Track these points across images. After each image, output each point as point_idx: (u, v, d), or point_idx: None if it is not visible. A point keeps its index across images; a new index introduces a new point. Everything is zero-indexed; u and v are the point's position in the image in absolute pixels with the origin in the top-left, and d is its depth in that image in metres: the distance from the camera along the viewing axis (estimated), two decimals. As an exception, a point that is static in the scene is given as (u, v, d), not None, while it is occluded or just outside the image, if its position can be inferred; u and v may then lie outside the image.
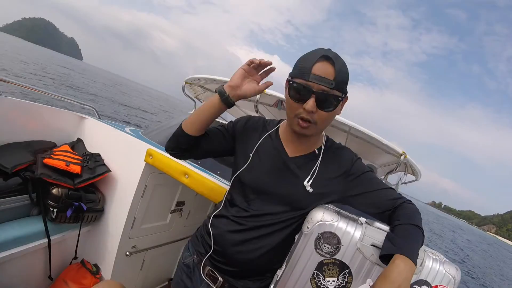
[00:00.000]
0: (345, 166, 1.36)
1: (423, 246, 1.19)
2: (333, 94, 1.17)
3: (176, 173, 2.16)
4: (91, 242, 2.74)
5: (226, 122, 1.55)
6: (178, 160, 2.13)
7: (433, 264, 1.13)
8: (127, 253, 2.62)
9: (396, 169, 3.23)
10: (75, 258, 2.67)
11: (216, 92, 1.31)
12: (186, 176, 2.12)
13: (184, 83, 3.64)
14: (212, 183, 2.03)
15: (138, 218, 2.63)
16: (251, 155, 1.39)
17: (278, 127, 1.46)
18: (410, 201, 1.30)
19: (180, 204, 3.11)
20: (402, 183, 3.99)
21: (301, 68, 1.19)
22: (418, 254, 1.08)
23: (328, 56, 1.16)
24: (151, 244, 2.92)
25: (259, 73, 1.31)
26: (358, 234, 1.17)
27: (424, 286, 1.11)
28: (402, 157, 2.90)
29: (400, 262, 1.01)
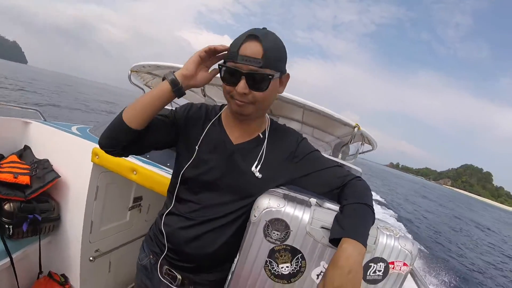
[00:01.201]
0: (290, 147, 1.30)
1: (376, 222, 1.15)
2: (263, 73, 1.09)
3: (123, 171, 2.05)
4: (54, 253, 2.60)
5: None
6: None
7: (387, 240, 1.09)
8: (91, 258, 2.50)
9: (351, 141, 3.27)
10: (41, 272, 2.52)
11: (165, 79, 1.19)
12: (134, 172, 2.01)
13: (130, 71, 3.45)
14: (161, 177, 1.94)
15: (95, 221, 2.50)
16: (196, 147, 1.28)
17: (221, 114, 1.36)
18: (359, 177, 1.25)
19: (137, 199, 3.00)
20: (360, 153, 4.11)
21: (231, 51, 1.12)
22: (367, 234, 1.04)
23: (254, 35, 1.08)
24: (115, 245, 2.81)
25: (211, 59, 1.22)
26: (307, 218, 1.11)
27: (380, 263, 1.09)
28: (356, 129, 2.95)
29: (347, 245, 0.96)
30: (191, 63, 1.18)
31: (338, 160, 3.18)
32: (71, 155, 2.59)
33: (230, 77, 1.13)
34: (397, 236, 1.11)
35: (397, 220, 16.64)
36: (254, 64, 1.07)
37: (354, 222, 1.03)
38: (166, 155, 2.39)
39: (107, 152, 1.24)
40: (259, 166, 1.24)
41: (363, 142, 3.73)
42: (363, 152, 4.04)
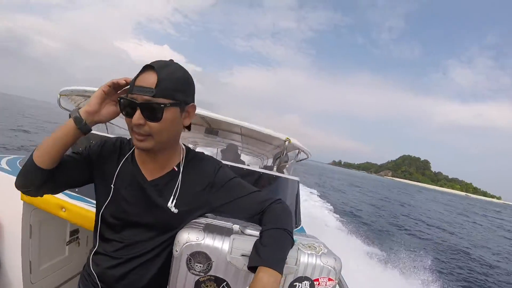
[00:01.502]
0: (208, 177, 1.27)
1: (299, 241, 1.19)
2: (155, 102, 1.06)
3: (52, 208, 1.96)
4: (-2, 298, 2.45)
5: None
6: None
7: (309, 259, 1.12)
8: None
9: (283, 153, 3.39)
10: None
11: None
12: (63, 209, 1.93)
13: (58, 95, 3.32)
14: (92, 213, 1.84)
15: (34, 260, 2.37)
16: (112, 186, 1.24)
17: (134, 149, 1.31)
18: (280, 199, 1.25)
19: (74, 233, 2.87)
20: (297, 161, 4.28)
21: (130, 84, 1.11)
22: (284, 260, 1.06)
23: (151, 66, 1.07)
24: (58, 283, 2.71)
25: (118, 93, 1.19)
26: (227, 247, 1.11)
27: (305, 281, 1.11)
28: (287, 142, 3.07)
29: (263, 274, 0.98)
30: (94, 98, 1.15)
31: (273, 172, 3.30)
32: (1, 195, 2.45)
33: (128, 109, 1.10)
34: (319, 253, 1.14)
35: (334, 212, 17.95)
36: (147, 93, 1.04)
37: (271, 249, 1.04)
38: None
39: (23, 192, 1.20)
40: (174, 201, 1.21)
41: (299, 151, 3.85)
42: (300, 160, 4.18)
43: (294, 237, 1.18)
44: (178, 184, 1.23)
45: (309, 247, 1.18)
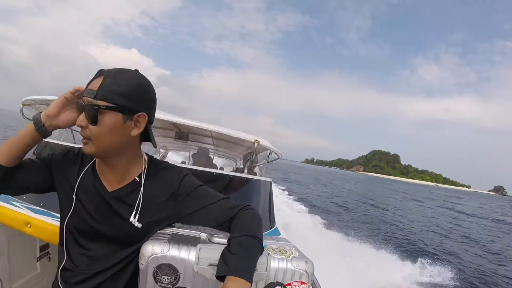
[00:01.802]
0: (172, 187, 1.22)
1: (270, 246, 1.18)
2: (94, 104, 1.04)
3: (17, 224, 1.86)
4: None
5: None
6: (17, 208, 1.85)
7: (279, 264, 1.10)
8: None
9: (253, 155, 3.40)
10: None
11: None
12: (29, 225, 1.83)
13: (21, 105, 3.27)
14: (58, 228, 1.77)
15: (5, 279, 2.28)
16: (73, 197, 1.19)
17: (95, 159, 1.26)
18: (248, 205, 1.22)
19: (44, 248, 2.76)
20: (268, 162, 4.28)
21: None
22: (253, 267, 1.03)
23: (102, 71, 1.08)
24: None
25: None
26: (193, 258, 1.07)
27: (277, 287, 1.10)
28: (256, 144, 3.07)
29: (231, 284, 0.95)
30: (55, 103, 1.15)
31: (244, 175, 3.28)
32: None
33: (79, 112, 1.10)
34: (290, 257, 1.12)
35: (297, 200, 20.12)
36: (90, 95, 1.03)
37: (239, 258, 1.02)
38: None
39: None
40: (137, 215, 1.16)
41: (270, 151, 3.86)
42: (271, 161, 4.19)
43: (264, 241, 1.15)
44: (140, 196, 1.18)
45: (280, 251, 1.16)
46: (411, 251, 11.87)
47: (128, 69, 1.11)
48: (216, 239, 1.15)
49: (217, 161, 6.93)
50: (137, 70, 1.14)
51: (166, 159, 7.41)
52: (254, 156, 3.37)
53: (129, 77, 1.08)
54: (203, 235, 1.19)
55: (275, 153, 3.95)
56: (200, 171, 2.86)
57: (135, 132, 1.13)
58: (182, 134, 3.98)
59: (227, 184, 3.14)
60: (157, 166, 1.28)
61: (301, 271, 1.09)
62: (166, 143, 6.14)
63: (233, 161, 7.20)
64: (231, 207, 1.20)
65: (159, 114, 2.82)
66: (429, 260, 9.71)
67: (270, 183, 3.86)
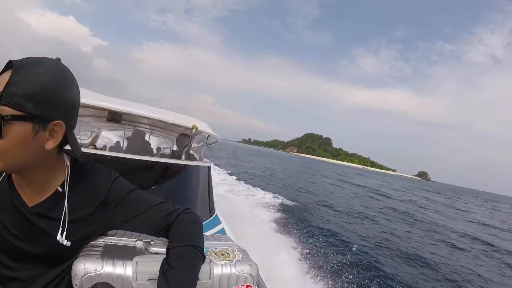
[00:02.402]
0: (101, 194, 1.07)
1: (211, 250, 1.14)
2: None
3: None
4: None
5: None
6: None
7: (223, 270, 1.06)
8: None
9: (191, 141, 3.31)
10: None
11: None
12: None
13: None
14: None
15: None
16: None
17: None
18: (188, 209, 1.13)
19: None
20: (207, 145, 4.19)
21: None
22: (195, 280, 0.98)
23: (10, 62, 0.86)
24: None
25: None
26: (130, 273, 0.99)
27: None
28: (194, 130, 3.02)
29: None
30: None
31: (182, 161, 3.18)
32: None
33: None
34: (234, 261, 1.09)
35: (232, 175, 21.13)
36: None
37: (179, 272, 0.95)
38: None
39: None
40: (64, 233, 1.00)
41: (208, 135, 3.79)
42: (209, 144, 4.12)
43: (206, 243, 1.10)
44: (65, 210, 1.02)
45: (222, 255, 1.12)
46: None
47: (45, 60, 0.89)
48: (153, 249, 1.07)
49: (153, 140, 6.63)
50: (58, 60, 0.94)
51: (100, 139, 7.03)
52: (191, 142, 3.30)
53: (43, 72, 0.86)
54: (139, 244, 1.09)
55: (214, 137, 3.90)
56: (135, 160, 2.72)
57: (50, 145, 0.93)
58: (115, 115, 3.65)
59: (164, 171, 3.02)
60: (82, 171, 1.10)
61: (246, 275, 1.06)
62: (97, 124, 5.74)
63: (170, 140, 6.82)
64: (168, 213, 1.10)
65: (88, 98, 2.65)
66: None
67: (209, 167, 3.77)
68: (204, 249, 1.06)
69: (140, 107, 3.00)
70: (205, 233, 1.42)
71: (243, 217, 7.96)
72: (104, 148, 5.21)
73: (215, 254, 1.12)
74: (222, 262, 1.08)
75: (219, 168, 23.51)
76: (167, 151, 6.16)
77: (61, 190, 1.03)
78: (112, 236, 1.14)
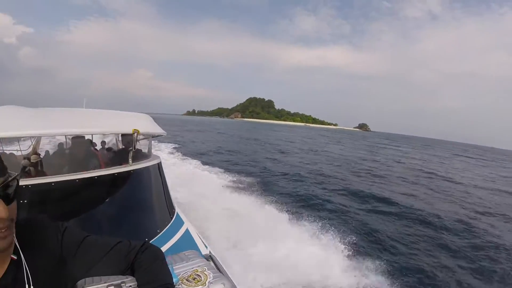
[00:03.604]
0: (55, 251, 1.02)
1: (181, 278, 1.07)
2: None
3: None
4: None
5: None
6: None
7: None
8: None
9: (135, 144, 3.13)
10: None
11: None
12: None
13: None
14: None
15: None
16: None
17: None
18: (145, 243, 1.13)
19: None
20: (153, 137, 4.18)
21: None
22: None
23: None
24: None
25: None
26: None
27: None
28: (135, 134, 2.93)
29: None
30: None
31: (129, 167, 3.03)
32: None
33: None
34: (206, 284, 1.05)
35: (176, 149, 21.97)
36: None
37: None
38: None
39: None
40: None
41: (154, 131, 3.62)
42: (155, 137, 4.00)
43: (175, 267, 1.09)
44: (29, 279, 0.93)
45: (194, 279, 1.09)
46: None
47: None
48: None
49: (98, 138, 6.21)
50: None
51: (41, 145, 6.53)
52: (134, 146, 3.08)
53: None
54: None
55: (159, 134, 3.78)
56: (80, 180, 2.47)
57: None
58: None
59: (113, 182, 2.78)
60: (27, 232, 1.01)
61: None
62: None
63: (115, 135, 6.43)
64: (127, 253, 1.10)
65: (11, 131, 2.39)
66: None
67: (159, 164, 3.62)
68: (174, 278, 1.05)
69: (67, 118, 2.79)
70: (171, 255, 1.39)
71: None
72: (47, 153, 4.76)
73: (187, 280, 1.10)
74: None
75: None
76: (115, 147, 5.79)
77: (16, 257, 0.95)
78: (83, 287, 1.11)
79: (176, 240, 2.62)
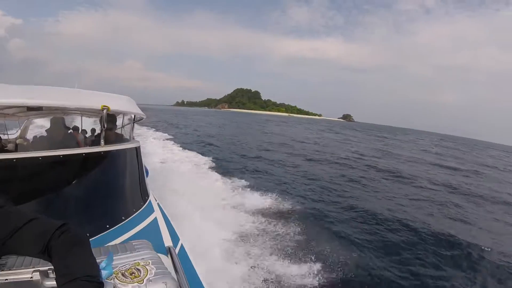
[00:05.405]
0: None
1: (117, 272, 0.92)
2: None
3: None
4: None
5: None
6: None
7: None
8: None
9: (104, 124, 2.90)
10: None
11: None
12: None
13: None
14: None
15: None
16: None
17: None
18: (64, 225, 0.95)
19: None
20: (134, 122, 3.91)
21: None
22: None
23: None
24: None
25: None
26: None
27: None
28: (105, 111, 2.72)
29: None
30: None
31: (101, 148, 2.80)
32: None
33: None
34: (144, 282, 0.89)
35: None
36: None
37: None
38: None
39: None
40: None
41: (136, 112, 3.46)
42: (136, 121, 3.81)
43: (115, 258, 0.93)
44: None
45: (131, 274, 0.91)
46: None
47: None
48: (48, 283, 0.90)
49: (88, 122, 5.95)
50: None
51: (31, 130, 6.30)
52: (104, 124, 2.88)
53: None
54: (36, 275, 0.90)
55: (137, 114, 3.55)
56: (44, 157, 2.29)
57: None
58: (33, 107, 3.35)
59: (80, 164, 2.58)
60: None
61: None
62: (23, 114, 5.07)
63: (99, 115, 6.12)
64: (40, 233, 0.93)
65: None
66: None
67: (137, 148, 3.42)
68: (108, 270, 0.89)
69: (47, 93, 2.56)
70: (118, 244, 1.22)
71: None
72: (34, 138, 4.59)
73: (122, 275, 0.92)
74: (130, 286, 0.87)
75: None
76: (97, 127, 5.56)
77: None
78: (9, 270, 0.94)
79: (140, 229, 2.43)
